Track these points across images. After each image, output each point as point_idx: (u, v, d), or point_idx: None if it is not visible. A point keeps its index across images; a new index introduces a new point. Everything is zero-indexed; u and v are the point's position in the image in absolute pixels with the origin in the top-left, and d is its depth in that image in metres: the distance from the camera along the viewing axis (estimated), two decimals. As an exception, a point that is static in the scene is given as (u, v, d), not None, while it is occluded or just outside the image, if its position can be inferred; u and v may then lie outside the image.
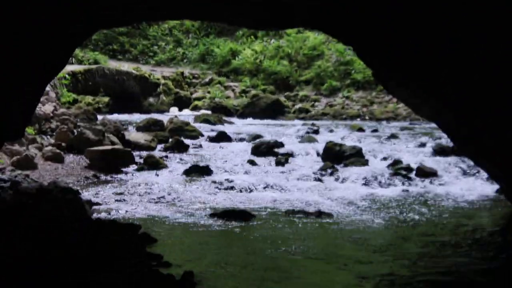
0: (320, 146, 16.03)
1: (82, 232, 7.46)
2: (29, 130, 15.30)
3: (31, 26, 7.11)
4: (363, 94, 29.72)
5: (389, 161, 14.33)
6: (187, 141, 17.49)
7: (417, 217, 9.92)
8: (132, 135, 17.69)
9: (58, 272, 5.95)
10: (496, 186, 11.21)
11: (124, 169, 13.92)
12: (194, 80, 33.44)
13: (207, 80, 33.15)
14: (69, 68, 24.71)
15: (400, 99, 11.15)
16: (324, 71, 31.26)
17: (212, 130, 20.40)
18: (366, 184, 12.74)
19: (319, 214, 9.82)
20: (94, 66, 28.68)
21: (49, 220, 7.61)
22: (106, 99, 30.44)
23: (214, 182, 12.59)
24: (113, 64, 31.91)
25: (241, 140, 18.79)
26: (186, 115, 26.99)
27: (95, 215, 9.36)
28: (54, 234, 7.06)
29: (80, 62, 31.44)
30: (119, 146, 15.36)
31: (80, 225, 7.82)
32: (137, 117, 24.46)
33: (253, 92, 30.79)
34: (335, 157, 14.70)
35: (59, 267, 6.09)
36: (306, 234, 8.74)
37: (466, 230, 9.00)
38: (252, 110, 28.30)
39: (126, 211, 9.93)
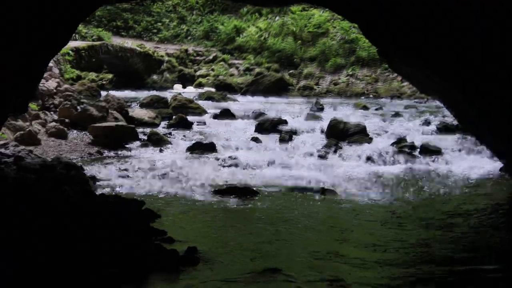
0: (324, 124, 16.00)
1: (85, 208, 7.46)
2: (33, 106, 15.29)
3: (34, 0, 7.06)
4: (367, 71, 29.60)
5: (393, 139, 14.30)
6: (191, 118, 17.46)
7: (420, 195, 9.91)
8: (136, 111, 17.68)
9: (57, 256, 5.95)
10: (500, 164, 11.17)
11: (128, 146, 13.91)
12: (198, 58, 33.32)
13: (211, 57, 33.03)
14: (72, 44, 24.63)
15: (405, 77, 11.10)
16: (329, 48, 31.11)
17: (216, 108, 20.36)
18: (370, 161, 12.73)
19: (323, 191, 9.82)
20: (97, 43, 28.59)
21: (50, 199, 7.62)
22: (110, 75, 30.39)
23: (218, 159, 12.59)
24: (116, 41, 31.80)
25: (245, 117, 18.77)
26: (190, 92, 26.94)
27: (99, 191, 9.36)
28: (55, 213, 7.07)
29: (83, 38, 31.34)
30: (122, 123, 15.35)
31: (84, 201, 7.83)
32: (141, 94, 24.43)
33: (257, 69, 30.69)
34: (339, 134, 14.68)
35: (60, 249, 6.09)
36: (309, 211, 8.74)
37: (470, 208, 8.98)
38: (256, 88, 28.22)
39: (130, 187, 9.94)
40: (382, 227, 7.89)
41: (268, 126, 16.07)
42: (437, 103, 14.27)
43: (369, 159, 12.84)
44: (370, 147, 13.65)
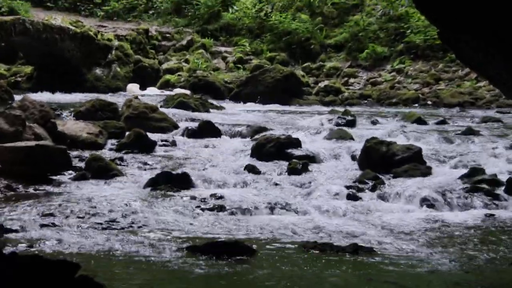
0: (357, 146, 16.03)
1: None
2: None
3: None
4: (423, 66, 29.73)
5: (464, 170, 14.31)
6: (153, 136, 17.48)
7: (507, 259, 9.88)
8: (69, 125, 17.68)
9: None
10: None
11: (55, 178, 13.90)
12: (164, 43, 33.47)
13: (184, 42, 33.18)
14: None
15: (483, 74, 11.10)
16: (364, 30, 31.25)
17: (192, 120, 20.43)
18: (427, 204, 12.72)
19: (355, 249, 9.80)
20: (9, 18, 28.64)
21: None
22: (28, 69, 30.43)
23: (194, 198, 12.60)
24: (39, 16, 31.88)
25: (237, 135, 18.82)
26: (153, 95, 26.99)
27: (8, 248, 9.32)
28: None
29: (-12, 12, 31.43)
30: (47, 142, 15.33)
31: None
32: (77, 98, 24.42)
33: (255, 61, 30.79)
34: (381, 162, 14.70)
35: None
36: (332, 281, 8.71)
37: None
38: (254, 89, 28.32)
39: (58, 242, 9.91)
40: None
41: (271, 148, 16.09)
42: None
43: (426, 200, 12.83)
44: (428, 183, 13.66)
